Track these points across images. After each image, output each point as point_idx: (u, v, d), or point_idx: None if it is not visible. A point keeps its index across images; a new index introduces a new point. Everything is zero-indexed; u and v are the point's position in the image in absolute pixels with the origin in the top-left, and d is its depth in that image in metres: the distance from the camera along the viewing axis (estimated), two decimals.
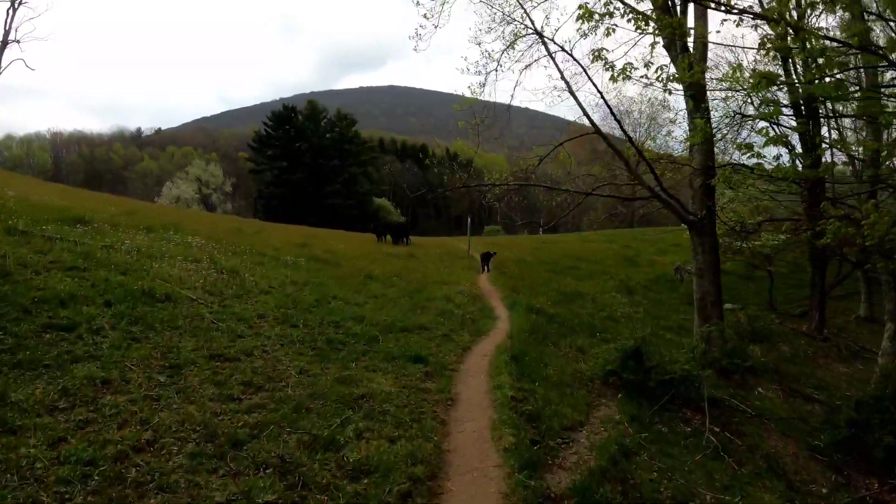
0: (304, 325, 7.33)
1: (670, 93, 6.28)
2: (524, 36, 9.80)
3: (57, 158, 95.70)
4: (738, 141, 13.67)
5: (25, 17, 60.62)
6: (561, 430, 5.61)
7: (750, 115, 12.02)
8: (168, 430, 3.87)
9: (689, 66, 6.82)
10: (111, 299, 6.44)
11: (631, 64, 5.54)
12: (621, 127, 9.14)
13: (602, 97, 8.64)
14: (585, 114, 9.85)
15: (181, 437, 3.80)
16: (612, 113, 8.97)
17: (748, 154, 6.05)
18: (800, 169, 15.36)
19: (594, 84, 8.37)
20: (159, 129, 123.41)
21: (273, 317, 7.43)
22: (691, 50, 10.14)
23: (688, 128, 11.15)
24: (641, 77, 5.98)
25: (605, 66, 5.66)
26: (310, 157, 62.40)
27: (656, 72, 6.18)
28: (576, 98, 9.84)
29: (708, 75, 11.30)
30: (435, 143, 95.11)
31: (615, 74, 5.54)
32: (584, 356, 10.03)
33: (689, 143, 11.16)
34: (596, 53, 5.91)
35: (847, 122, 17.35)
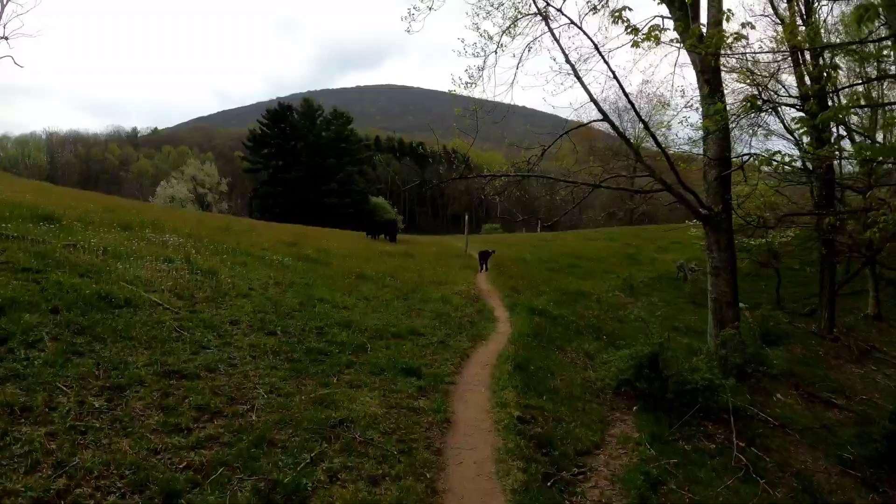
0: (282, 333, 6.50)
1: (704, 52, 5.42)
2: (526, 16, 9.02)
3: (52, 158, 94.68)
4: (756, 128, 12.95)
5: (14, 12, 59.50)
6: (576, 456, 4.81)
7: (769, 101, 11.29)
8: (88, 475, 3.03)
9: (701, 37, 6.06)
10: (59, 305, 5.62)
11: (658, 25, 4.73)
12: (635, 110, 8.35)
13: (614, 76, 7.85)
14: (592, 99, 9.07)
15: (102, 485, 2.97)
16: (624, 94, 8.17)
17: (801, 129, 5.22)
18: (808, 164, 14.74)
19: (606, 62, 7.59)
20: (156, 128, 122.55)
21: (248, 323, 6.61)
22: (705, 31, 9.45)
23: (701, 116, 10.39)
24: (672, 41, 5.17)
25: (627, 29, 4.86)
26: (305, 156, 61.70)
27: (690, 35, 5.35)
28: (582, 82, 9.05)
29: (723, 61, 10.57)
30: (434, 139, 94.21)
31: (639, 40, 4.74)
32: (593, 362, 9.26)
33: (700, 134, 10.41)
34: (616, 14, 5.10)
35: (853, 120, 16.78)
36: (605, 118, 9.10)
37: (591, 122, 8.86)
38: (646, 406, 7.04)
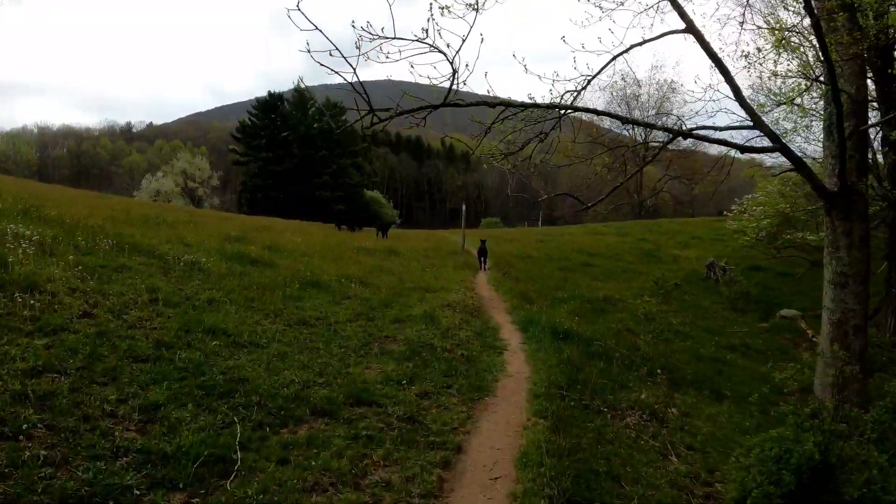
0: (25, 440, 2.85)
1: None
2: None
3: (43, 154, 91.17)
4: None
5: None
6: None
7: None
8: None
9: None
10: None
11: None
12: None
13: None
14: None
15: None
16: None
17: None
18: None
19: None
20: (150, 123, 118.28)
21: None
22: None
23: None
24: None
25: None
26: (297, 147, 58.20)
27: None
28: None
29: None
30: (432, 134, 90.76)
31: None
32: (667, 429, 5.58)
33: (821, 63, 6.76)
34: None
35: None
36: (690, 28, 5.46)
37: (669, 32, 5.27)
38: None
